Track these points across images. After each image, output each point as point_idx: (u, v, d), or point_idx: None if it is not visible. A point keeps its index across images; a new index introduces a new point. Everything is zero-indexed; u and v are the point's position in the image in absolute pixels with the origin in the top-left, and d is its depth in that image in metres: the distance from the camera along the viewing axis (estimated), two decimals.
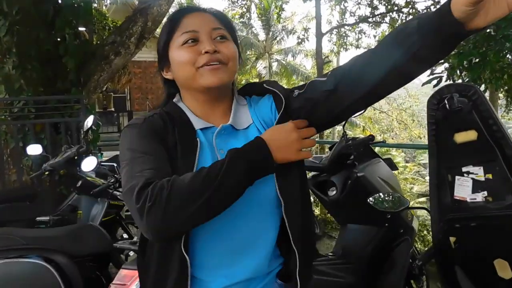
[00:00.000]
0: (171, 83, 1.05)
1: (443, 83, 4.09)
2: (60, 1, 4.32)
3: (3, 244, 1.97)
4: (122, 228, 3.21)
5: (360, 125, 20.70)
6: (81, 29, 5.36)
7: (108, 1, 9.59)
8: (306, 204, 1.02)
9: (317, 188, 2.43)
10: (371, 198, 2.07)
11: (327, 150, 5.39)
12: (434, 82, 4.07)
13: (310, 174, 2.62)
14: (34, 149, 3.27)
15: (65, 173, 3.18)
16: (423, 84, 4.15)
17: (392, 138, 19.64)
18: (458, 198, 1.73)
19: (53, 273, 1.96)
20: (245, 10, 11.54)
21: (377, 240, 2.23)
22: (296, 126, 0.91)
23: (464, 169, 1.71)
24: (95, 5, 8.20)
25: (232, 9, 13.28)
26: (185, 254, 0.90)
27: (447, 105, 1.67)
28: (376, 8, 10.53)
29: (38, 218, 2.87)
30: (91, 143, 4.48)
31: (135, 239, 2.05)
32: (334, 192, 2.34)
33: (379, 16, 10.75)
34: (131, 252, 2.22)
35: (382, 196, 2.12)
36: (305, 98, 0.98)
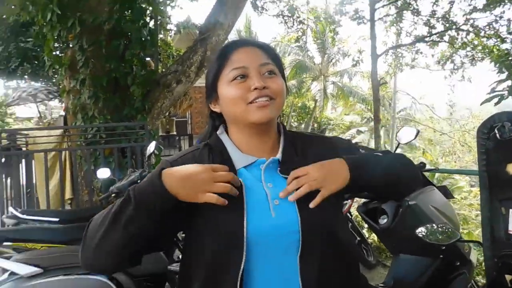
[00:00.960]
0: (217, 115, 1.08)
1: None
2: (129, 35, 4.71)
3: (72, 261, 2.14)
4: (179, 249, 3.33)
5: (420, 147, 19.72)
6: (148, 59, 5.79)
7: (173, 32, 10.19)
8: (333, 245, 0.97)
9: (367, 215, 2.37)
10: (421, 229, 1.98)
11: None
12: (495, 100, 3.84)
13: (361, 201, 2.57)
14: (103, 173, 3.52)
15: None
16: (482, 103, 3.93)
17: (455, 162, 18.47)
18: None
19: None
20: (300, 34, 11.67)
21: (431, 272, 2.11)
22: (212, 169, 0.90)
23: None
24: (161, 35, 8.78)
25: (288, 34, 13.50)
26: None
27: (497, 134, 1.58)
28: (433, 27, 10.24)
29: None
30: (153, 167, 4.77)
31: None
32: (385, 220, 2.26)
33: (437, 35, 10.38)
34: None
35: (434, 227, 2.02)
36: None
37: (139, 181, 3.14)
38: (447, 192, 2.47)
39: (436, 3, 10.14)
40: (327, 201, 0.94)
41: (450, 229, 2.04)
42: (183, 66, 4.79)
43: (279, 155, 1.01)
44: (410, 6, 10.26)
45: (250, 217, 0.92)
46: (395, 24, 10.83)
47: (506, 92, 4.01)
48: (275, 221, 0.93)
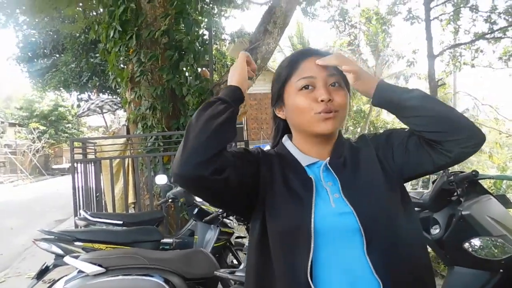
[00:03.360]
0: (281, 120, 1.15)
1: None
2: (183, 47, 4.93)
3: (131, 263, 2.33)
4: (232, 254, 3.45)
5: (486, 150, 18.30)
6: (203, 69, 6.02)
7: (227, 42, 10.49)
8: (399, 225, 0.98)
9: None
10: (472, 242, 1.90)
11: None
12: None
13: None
14: (161, 179, 3.74)
15: (184, 201, 3.59)
16: None
17: None
18: None
19: None
20: (353, 37, 11.46)
21: (489, 287, 1.99)
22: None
23: None
24: (216, 45, 9.10)
25: (340, 38, 13.30)
26: (311, 283, 0.93)
27: None
28: (494, 23, 9.58)
29: (163, 240, 3.27)
30: None
31: (241, 266, 2.22)
32: (438, 230, 2.18)
33: (499, 31, 9.70)
34: None
35: (488, 240, 1.92)
36: None
37: None
38: (507, 201, 2.34)
39: None
40: (380, 191, 1.00)
41: (505, 243, 1.94)
42: None
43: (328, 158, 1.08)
44: (468, 2, 9.72)
45: (317, 208, 0.98)
46: (452, 22, 10.28)
47: None
48: (335, 210, 0.98)
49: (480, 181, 2.34)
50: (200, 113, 1.00)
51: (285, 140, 1.14)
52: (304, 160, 1.08)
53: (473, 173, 2.17)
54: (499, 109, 17.96)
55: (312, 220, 0.96)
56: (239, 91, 1.08)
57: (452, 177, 2.19)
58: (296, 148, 1.10)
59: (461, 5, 10.04)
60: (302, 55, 1.07)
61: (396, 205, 1.01)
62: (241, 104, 1.08)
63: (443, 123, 0.98)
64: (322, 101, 1.00)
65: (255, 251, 1.05)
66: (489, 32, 9.89)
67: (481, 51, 10.83)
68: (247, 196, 1.03)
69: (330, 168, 1.04)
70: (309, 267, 0.93)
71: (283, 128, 1.17)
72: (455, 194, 2.20)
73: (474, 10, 9.95)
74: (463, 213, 2.07)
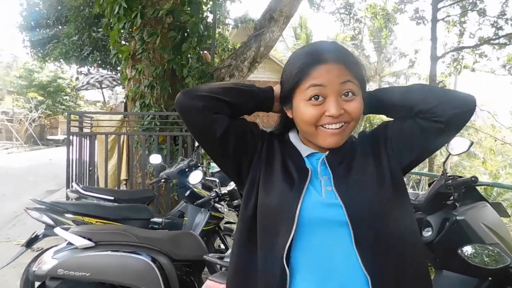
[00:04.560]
0: (288, 118, 1.11)
1: None
2: (187, 29, 4.91)
3: (120, 239, 2.35)
4: (220, 238, 3.49)
5: (479, 156, 18.39)
6: (205, 52, 5.99)
7: (231, 27, 10.39)
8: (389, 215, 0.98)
9: None
10: (466, 249, 1.87)
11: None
12: None
13: None
14: (155, 159, 3.76)
15: (177, 182, 3.61)
16: None
17: None
18: None
19: (155, 271, 2.26)
20: (357, 32, 11.38)
21: None
22: None
23: None
24: (219, 29, 9.00)
25: (344, 32, 13.20)
26: (285, 266, 0.94)
27: None
28: (501, 28, 9.54)
29: (152, 219, 3.30)
30: (203, 156, 4.97)
31: (227, 253, 2.25)
32: (430, 233, 2.14)
33: (505, 37, 9.68)
34: None
35: (481, 248, 1.90)
36: None
37: (187, 169, 3.33)
38: (502, 210, 2.31)
39: (506, 3, 9.48)
40: (371, 186, 0.99)
41: (500, 252, 1.91)
42: (237, 60, 4.93)
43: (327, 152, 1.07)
44: (476, 6, 9.67)
45: (307, 195, 0.98)
46: (457, 25, 10.24)
47: None
48: (325, 201, 0.98)
49: (477, 187, 2.30)
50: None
51: (292, 134, 1.14)
52: (304, 150, 1.08)
53: (473, 179, 2.13)
54: (497, 116, 18.02)
55: (300, 204, 0.96)
56: (270, 89, 1.12)
57: (450, 181, 2.14)
58: (299, 140, 1.11)
59: (469, 8, 9.98)
60: (316, 59, 0.98)
61: (389, 201, 0.99)
62: (268, 100, 1.11)
63: (430, 94, 1.03)
64: (330, 116, 0.97)
65: (244, 224, 1.06)
66: (495, 37, 9.87)
67: (485, 55, 10.81)
68: (235, 160, 1.08)
69: (326, 162, 1.04)
70: (286, 249, 0.94)
71: (288, 122, 1.13)
72: (451, 198, 2.16)
73: (482, 14, 9.91)
74: (457, 218, 2.04)
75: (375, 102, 1.08)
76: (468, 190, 2.20)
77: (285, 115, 1.12)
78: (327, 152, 1.06)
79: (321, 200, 0.98)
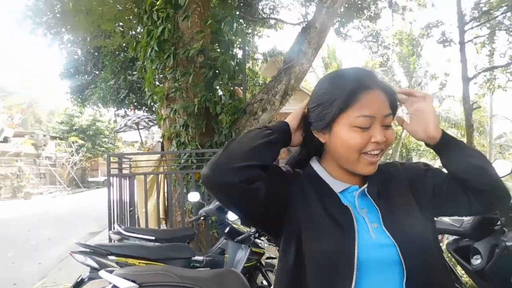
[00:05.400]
0: (316, 142, 1.08)
1: None
2: (218, 66, 5.02)
3: (163, 280, 2.34)
4: (262, 274, 3.41)
5: None
6: (236, 87, 6.11)
7: (260, 61, 10.63)
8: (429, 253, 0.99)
9: (459, 254, 2.21)
10: None
11: None
12: None
13: (451, 238, 2.41)
14: (193, 196, 3.78)
15: (216, 219, 3.61)
16: None
17: None
18: None
19: None
20: (385, 59, 11.36)
21: None
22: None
23: None
24: (249, 65, 9.22)
25: (372, 59, 13.20)
26: None
27: None
28: None
29: (194, 258, 3.29)
30: None
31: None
32: (479, 261, 2.07)
33: None
34: None
35: None
36: None
37: None
38: None
39: None
40: (419, 224, 0.99)
41: None
42: (268, 94, 4.99)
43: (367, 183, 1.05)
44: (503, 25, 9.48)
45: (359, 238, 0.95)
46: (486, 45, 10.04)
47: None
48: (376, 242, 0.96)
49: None
50: (245, 133, 1.05)
51: (313, 162, 1.12)
52: (336, 186, 1.05)
53: None
54: None
55: (356, 249, 0.93)
56: (285, 125, 1.08)
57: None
58: (325, 171, 1.08)
59: (496, 28, 9.81)
60: (362, 86, 0.98)
61: (431, 239, 1.01)
62: (287, 137, 1.08)
63: (490, 177, 1.03)
64: (375, 142, 0.98)
65: (287, 273, 1.01)
66: None
67: None
68: (276, 213, 1.02)
69: (369, 196, 1.02)
70: None
71: (313, 149, 1.12)
72: (498, 223, 2.10)
73: (510, 33, 9.69)
74: (507, 243, 1.97)
75: (442, 147, 1.06)
76: None
77: (311, 144, 1.11)
78: (366, 186, 1.04)
79: (373, 241, 0.96)
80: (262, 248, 3.28)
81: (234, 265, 3.13)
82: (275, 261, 3.45)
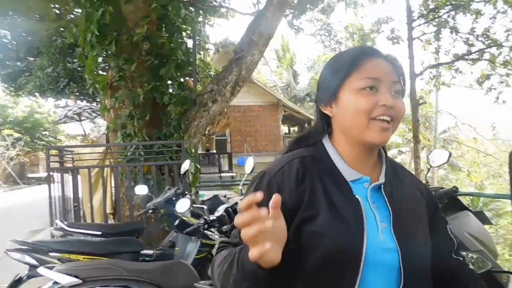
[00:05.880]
0: (325, 118, 1.03)
1: None
2: (165, 54, 4.86)
3: (109, 274, 2.25)
4: None
5: (464, 169, 18.82)
6: (187, 78, 5.98)
7: (212, 52, 10.50)
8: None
9: None
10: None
11: None
12: None
13: None
14: (141, 190, 3.68)
15: (165, 212, 3.53)
16: None
17: (500, 184, 17.46)
18: None
19: None
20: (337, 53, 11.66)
21: None
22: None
23: None
24: (200, 55, 9.07)
25: (324, 54, 13.53)
26: None
27: None
28: (472, 45, 9.99)
29: (143, 251, 3.20)
30: (191, 184, 4.89)
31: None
32: None
33: (477, 53, 10.08)
34: None
35: (467, 254, 1.94)
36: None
37: (174, 198, 3.26)
38: (484, 218, 2.38)
39: (476, 20, 9.89)
40: (424, 233, 0.98)
41: (483, 258, 1.96)
42: (219, 85, 4.93)
43: (382, 178, 0.99)
44: (448, 23, 10.05)
45: (367, 234, 0.90)
46: (433, 42, 10.64)
47: None
48: (383, 245, 0.92)
49: (459, 197, 2.38)
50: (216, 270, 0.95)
51: (326, 141, 1.03)
52: (348, 174, 0.97)
53: (453, 189, 2.21)
54: (478, 129, 18.61)
55: (364, 248, 0.88)
56: (252, 267, 0.84)
57: (432, 192, 2.21)
58: (339, 155, 1.00)
59: (442, 26, 10.37)
60: (367, 53, 0.97)
61: (429, 247, 0.98)
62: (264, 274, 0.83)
63: None
64: (383, 105, 0.91)
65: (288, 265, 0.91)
66: (468, 53, 10.26)
67: (460, 72, 11.22)
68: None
69: (383, 193, 0.97)
70: None
71: (325, 126, 1.05)
72: None
73: (454, 32, 10.28)
74: None
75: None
76: (451, 201, 2.27)
77: (321, 122, 1.04)
78: (383, 181, 0.98)
79: (379, 243, 0.91)
80: (213, 240, 3.25)
81: (184, 257, 3.09)
82: None
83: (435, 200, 1.09)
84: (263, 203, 0.77)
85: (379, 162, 1.03)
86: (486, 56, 10.43)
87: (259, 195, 0.74)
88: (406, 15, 9.67)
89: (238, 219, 0.74)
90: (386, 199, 0.95)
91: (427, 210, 1.03)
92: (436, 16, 10.13)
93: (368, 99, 0.92)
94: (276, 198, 0.76)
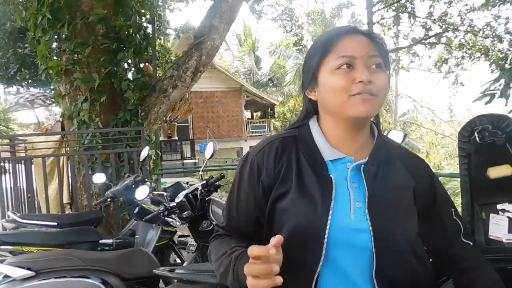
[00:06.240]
0: (312, 102, 1.03)
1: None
2: (122, 38, 4.70)
3: (64, 264, 2.18)
4: (175, 253, 3.37)
5: (423, 150, 19.62)
6: (146, 64, 5.83)
7: (172, 37, 10.26)
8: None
9: None
10: None
11: None
12: (487, 99, 3.81)
13: None
14: (99, 178, 3.58)
15: (124, 200, 3.45)
16: (474, 101, 3.91)
17: (457, 164, 18.45)
18: (493, 238, 1.54)
19: None
20: (299, 38, 11.69)
21: None
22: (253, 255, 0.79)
23: (499, 207, 1.53)
24: (160, 40, 8.84)
25: (286, 38, 13.57)
26: None
27: (477, 138, 1.53)
28: (430, 29, 10.26)
29: (102, 241, 3.13)
30: (152, 171, 4.80)
31: (184, 265, 2.17)
32: None
33: (434, 37, 10.42)
34: None
35: None
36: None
37: (133, 186, 3.19)
38: None
39: (433, 4, 10.19)
40: (404, 215, 0.95)
41: None
42: (179, 71, 4.83)
43: (366, 159, 0.97)
44: (406, 8, 10.30)
45: (334, 216, 0.90)
46: (392, 27, 10.88)
47: (498, 92, 3.96)
48: (353, 225, 0.91)
49: None
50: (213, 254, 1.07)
51: (312, 122, 1.03)
52: (328, 153, 0.97)
53: None
54: (436, 112, 19.43)
55: (327, 229, 0.89)
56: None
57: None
58: (323, 135, 0.99)
59: (400, 11, 10.61)
60: (342, 32, 0.95)
61: (414, 239, 0.96)
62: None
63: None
64: (360, 82, 0.89)
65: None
66: (425, 37, 10.56)
67: (417, 55, 11.57)
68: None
69: (363, 174, 0.95)
70: (314, 279, 0.90)
71: (312, 111, 1.05)
72: None
73: (412, 16, 10.55)
74: None
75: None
76: None
77: (308, 106, 1.05)
78: (366, 161, 0.96)
79: (349, 223, 0.91)
80: (174, 227, 3.23)
81: (145, 245, 3.05)
82: (188, 239, 3.42)
83: (431, 175, 1.08)
84: (250, 183, 0.99)
85: (371, 143, 1.02)
86: (443, 40, 10.77)
87: (272, 251, 0.75)
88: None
89: (248, 269, 0.79)
90: (364, 178, 0.94)
91: (423, 194, 1.01)
92: (395, 1, 10.31)
93: (344, 77, 0.91)
94: (278, 238, 0.78)
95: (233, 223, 1.06)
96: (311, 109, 1.05)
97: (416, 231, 0.97)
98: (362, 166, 0.96)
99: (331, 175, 0.93)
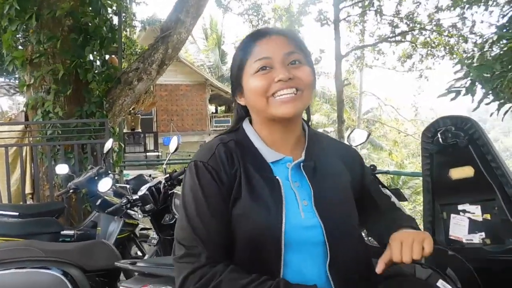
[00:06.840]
0: (243, 107, 1.05)
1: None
2: (89, 31, 4.67)
3: (25, 255, 2.20)
4: (136, 246, 3.43)
5: (386, 148, 20.06)
6: (112, 56, 5.78)
7: (138, 29, 10.10)
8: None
9: None
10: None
11: None
12: (452, 95, 3.85)
13: None
14: (61, 169, 3.59)
15: (87, 192, 3.48)
16: (439, 96, 3.95)
17: (419, 163, 19.02)
18: (453, 238, 1.57)
19: (67, 285, 2.15)
20: None
21: None
22: None
23: (460, 207, 1.56)
24: (126, 32, 8.69)
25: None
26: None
27: (440, 139, 1.56)
28: (396, 27, 10.48)
29: (63, 232, 3.15)
30: (115, 163, 4.82)
31: (145, 258, 2.23)
32: None
33: (400, 35, 10.68)
34: None
35: None
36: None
37: (96, 178, 3.22)
38: (400, 195, 2.51)
39: (400, 3, 10.40)
40: (348, 206, 1.00)
41: None
42: (145, 63, 4.85)
43: (302, 156, 1.00)
44: (373, 6, 10.50)
45: (287, 215, 0.92)
46: (358, 24, 11.09)
47: (463, 89, 3.82)
48: (305, 223, 0.93)
49: (378, 175, 2.50)
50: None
51: (246, 125, 1.05)
52: (269, 155, 0.99)
53: (371, 167, 2.32)
54: (400, 110, 19.88)
55: (283, 230, 0.90)
56: None
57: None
58: (258, 136, 1.01)
59: (367, 8, 10.78)
60: (257, 36, 0.98)
61: (357, 218, 1.01)
62: None
63: None
64: (279, 80, 0.91)
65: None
66: (392, 35, 10.79)
67: (383, 53, 11.85)
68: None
69: (304, 172, 0.98)
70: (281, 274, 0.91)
71: (244, 113, 1.07)
72: None
73: (379, 13, 10.74)
74: None
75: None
76: None
77: (239, 110, 1.07)
78: (303, 159, 0.99)
79: (300, 222, 0.93)
80: (136, 219, 3.28)
81: (106, 237, 3.08)
82: (150, 232, 3.49)
83: (362, 163, 1.15)
84: (215, 187, 0.93)
85: (304, 139, 1.05)
86: (409, 38, 10.99)
87: None
88: None
89: None
90: (306, 177, 0.97)
91: (352, 176, 1.05)
92: None
93: (262, 78, 0.93)
94: None
95: (214, 239, 0.91)
96: (243, 114, 1.07)
97: (357, 217, 1.02)
98: (302, 164, 0.98)
99: (277, 177, 0.95)
